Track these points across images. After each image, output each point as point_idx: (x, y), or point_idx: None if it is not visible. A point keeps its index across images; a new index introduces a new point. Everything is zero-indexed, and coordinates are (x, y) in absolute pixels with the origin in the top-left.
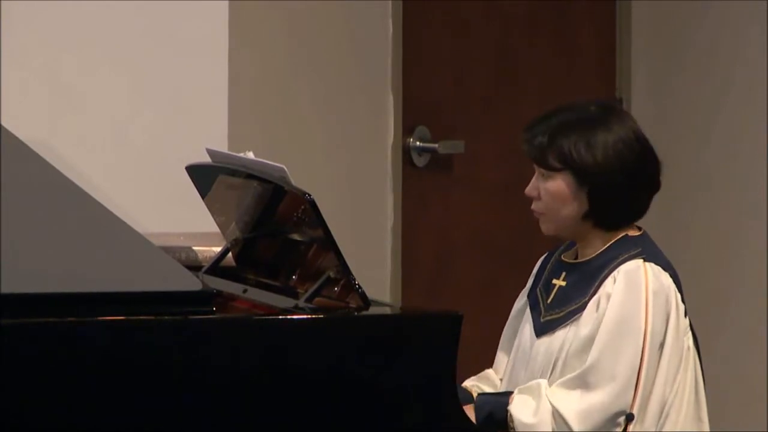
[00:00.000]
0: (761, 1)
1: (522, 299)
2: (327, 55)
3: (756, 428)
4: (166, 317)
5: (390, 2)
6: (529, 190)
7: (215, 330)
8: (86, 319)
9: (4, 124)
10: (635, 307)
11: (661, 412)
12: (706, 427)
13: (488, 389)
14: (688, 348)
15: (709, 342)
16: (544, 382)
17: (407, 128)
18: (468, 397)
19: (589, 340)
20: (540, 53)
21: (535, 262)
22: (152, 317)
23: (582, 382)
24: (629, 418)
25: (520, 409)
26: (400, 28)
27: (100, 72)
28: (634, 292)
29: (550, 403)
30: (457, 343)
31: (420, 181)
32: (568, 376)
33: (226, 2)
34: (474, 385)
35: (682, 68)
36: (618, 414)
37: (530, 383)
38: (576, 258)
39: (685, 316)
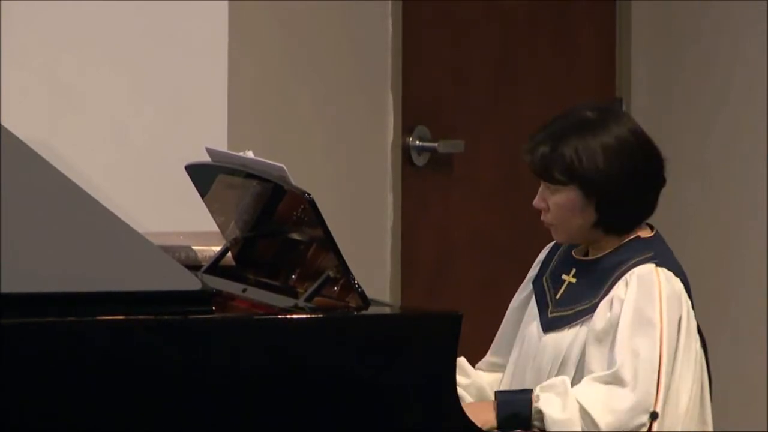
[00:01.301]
0: (761, 1)
1: (527, 288)
2: (327, 55)
3: (756, 428)
4: (166, 317)
5: (390, 2)
6: (537, 202)
7: (215, 329)
8: (86, 319)
9: (4, 124)
10: (650, 309)
11: (682, 416)
12: (710, 428)
13: (461, 378)
14: (696, 351)
15: (709, 342)
16: (566, 379)
17: (407, 128)
18: None
19: (604, 334)
20: (540, 53)
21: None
22: (152, 317)
23: (608, 382)
24: (653, 416)
25: (549, 406)
26: (400, 28)
27: (100, 72)
28: (648, 295)
29: (577, 401)
30: (457, 343)
31: (420, 181)
32: (594, 375)
33: (226, 2)
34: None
35: (682, 68)
36: (643, 413)
37: (553, 380)
38: (587, 255)
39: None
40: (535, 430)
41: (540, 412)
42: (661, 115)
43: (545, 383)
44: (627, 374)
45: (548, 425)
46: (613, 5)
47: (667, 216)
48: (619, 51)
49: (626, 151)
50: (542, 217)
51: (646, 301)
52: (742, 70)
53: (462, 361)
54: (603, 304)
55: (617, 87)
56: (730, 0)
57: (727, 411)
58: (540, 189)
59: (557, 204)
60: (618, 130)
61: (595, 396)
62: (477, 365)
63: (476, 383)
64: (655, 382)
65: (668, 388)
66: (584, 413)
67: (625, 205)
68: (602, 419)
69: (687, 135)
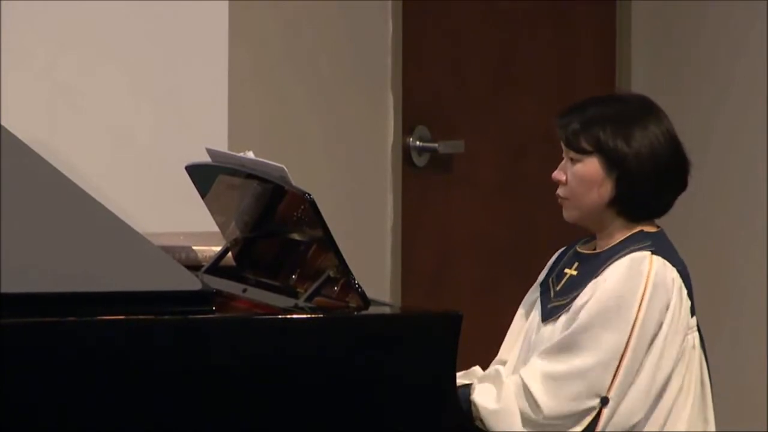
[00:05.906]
0: (761, 1)
1: (535, 292)
2: (327, 56)
3: (756, 428)
4: (166, 317)
5: (390, 2)
6: (557, 174)
7: (215, 330)
8: (86, 319)
9: (4, 124)
10: (631, 293)
11: (643, 404)
12: (712, 427)
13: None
14: (694, 347)
15: (709, 342)
16: (501, 368)
17: (407, 128)
18: None
19: (578, 310)
20: (540, 53)
21: (536, 262)
22: (152, 317)
23: (558, 350)
24: (603, 401)
25: (483, 397)
26: (400, 28)
27: (100, 72)
28: (634, 279)
29: (521, 379)
30: (457, 343)
31: (420, 181)
32: (546, 345)
33: (226, 2)
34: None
35: (682, 68)
36: (591, 394)
37: (488, 370)
38: (594, 250)
39: (693, 315)
40: (477, 422)
41: (474, 404)
42: None
43: (481, 374)
44: (581, 347)
45: (484, 418)
46: (613, 5)
47: (666, 216)
48: (619, 51)
49: (658, 146)
50: (558, 191)
51: (630, 284)
52: (742, 70)
53: (477, 370)
54: (591, 283)
55: (617, 87)
56: (730, 0)
57: (727, 411)
58: (561, 163)
59: (577, 174)
60: (655, 128)
61: (541, 376)
62: (491, 365)
63: None
64: (614, 368)
65: (630, 377)
66: (528, 395)
67: (643, 188)
68: (546, 403)
69: (687, 135)
